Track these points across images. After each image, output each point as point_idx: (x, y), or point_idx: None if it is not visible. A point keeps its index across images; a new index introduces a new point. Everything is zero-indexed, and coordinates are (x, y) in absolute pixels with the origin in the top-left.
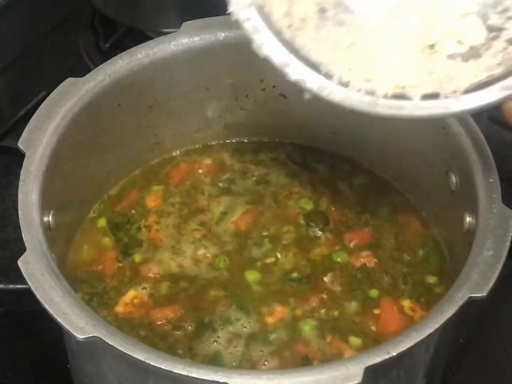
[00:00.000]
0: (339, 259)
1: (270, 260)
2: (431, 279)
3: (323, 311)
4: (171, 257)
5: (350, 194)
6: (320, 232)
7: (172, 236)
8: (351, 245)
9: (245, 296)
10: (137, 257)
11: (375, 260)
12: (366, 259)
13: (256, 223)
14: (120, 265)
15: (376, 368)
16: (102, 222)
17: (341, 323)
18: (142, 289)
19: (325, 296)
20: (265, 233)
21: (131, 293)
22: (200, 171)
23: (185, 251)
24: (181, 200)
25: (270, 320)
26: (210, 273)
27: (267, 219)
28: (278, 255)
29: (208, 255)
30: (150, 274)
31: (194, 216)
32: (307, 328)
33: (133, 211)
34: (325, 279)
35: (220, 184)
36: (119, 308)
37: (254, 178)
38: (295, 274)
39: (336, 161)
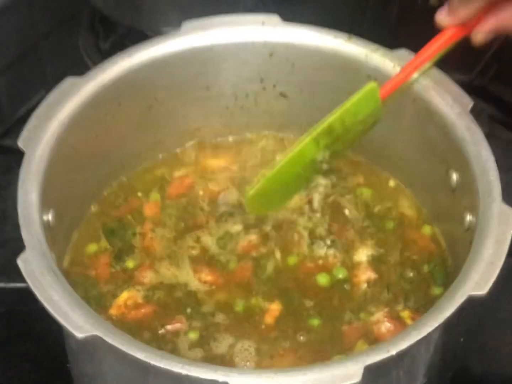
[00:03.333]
0: (340, 275)
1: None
2: (437, 290)
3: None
4: (167, 267)
5: (353, 209)
6: (325, 249)
7: (168, 247)
8: (354, 260)
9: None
10: (130, 263)
11: (377, 276)
12: (368, 275)
13: (255, 246)
14: (113, 270)
15: (376, 367)
16: (97, 226)
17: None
18: (137, 291)
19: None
20: (266, 255)
21: (124, 295)
22: (201, 192)
23: (179, 265)
24: (179, 214)
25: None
26: (209, 294)
27: (268, 242)
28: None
29: (206, 275)
30: (145, 280)
31: (191, 230)
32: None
33: (129, 217)
34: (327, 294)
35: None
36: (113, 311)
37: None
38: (298, 296)
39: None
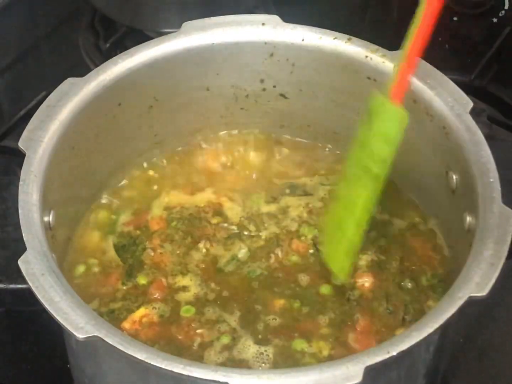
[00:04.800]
0: (338, 282)
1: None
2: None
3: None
4: (177, 280)
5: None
6: None
7: (178, 262)
8: (355, 265)
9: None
10: (142, 279)
11: (376, 283)
12: (367, 280)
13: (261, 257)
14: (124, 288)
15: (376, 368)
16: (98, 227)
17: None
18: (153, 308)
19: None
20: (270, 264)
21: (141, 311)
22: (204, 204)
23: (191, 279)
24: (184, 227)
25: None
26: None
27: (273, 252)
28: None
29: (214, 286)
30: (157, 296)
31: (199, 242)
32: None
33: (138, 232)
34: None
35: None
36: (126, 325)
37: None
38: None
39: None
